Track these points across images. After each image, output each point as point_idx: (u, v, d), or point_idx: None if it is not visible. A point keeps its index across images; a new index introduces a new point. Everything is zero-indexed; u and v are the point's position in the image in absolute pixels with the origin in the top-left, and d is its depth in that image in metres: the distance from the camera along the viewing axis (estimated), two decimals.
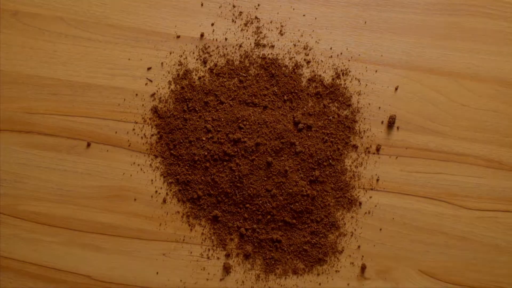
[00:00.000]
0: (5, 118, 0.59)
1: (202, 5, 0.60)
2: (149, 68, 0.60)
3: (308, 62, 0.60)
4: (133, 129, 0.59)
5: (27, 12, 0.60)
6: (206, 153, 0.58)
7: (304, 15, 0.60)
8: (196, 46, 0.60)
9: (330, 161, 0.59)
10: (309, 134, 0.59)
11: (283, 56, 0.60)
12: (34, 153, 0.59)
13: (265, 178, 0.58)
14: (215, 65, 0.60)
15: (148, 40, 0.60)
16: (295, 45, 0.60)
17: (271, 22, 0.60)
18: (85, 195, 0.59)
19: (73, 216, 0.59)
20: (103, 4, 0.60)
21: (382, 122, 0.59)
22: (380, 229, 0.59)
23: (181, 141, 0.59)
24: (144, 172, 0.59)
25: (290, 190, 0.58)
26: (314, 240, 0.59)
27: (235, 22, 0.60)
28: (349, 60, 0.60)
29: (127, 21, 0.60)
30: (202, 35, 0.60)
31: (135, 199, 0.59)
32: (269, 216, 0.59)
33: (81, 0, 0.60)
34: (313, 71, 0.60)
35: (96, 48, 0.60)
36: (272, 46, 0.60)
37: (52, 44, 0.60)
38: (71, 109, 0.59)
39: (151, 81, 0.60)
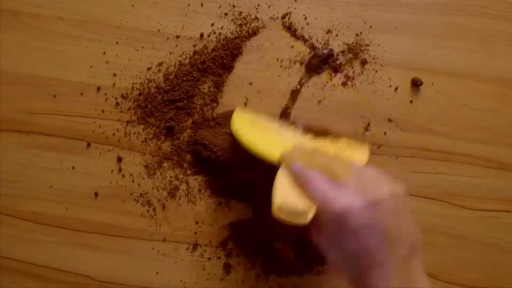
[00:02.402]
0: (5, 118, 0.59)
1: (202, 5, 0.60)
2: (149, 68, 0.60)
3: None
4: (133, 129, 0.59)
5: (27, 12, 0.60)
6: None
7: (304, 15, 0.60)
8: (196, 46, 0.60)
9: None
10: None
11: None
12: (34, 153, 0.59)
13: None
14: None
15: (148, 40, 0.60)
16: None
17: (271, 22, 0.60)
18: (85, 195, 0.59)
19: (73, 216, 0.59)
20: (103, 4, 0.60)
21: (382, 122, 0.59)
22: None
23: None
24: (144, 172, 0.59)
25: None
26: None
27: (235, 22, 0.60)
28: (348, 60, 0.60)
29: (127, 21, 0.60)
30: (201, 35, 0.60)
31: (135, 199, 0.59)
32: None
33: (81, 0, 0.60)
34: None
35: (96, 48, 0.60)
36: None
37: (52, 44, 0.60)
38: (71, 109, 0.59)
39: (151, 81, 0.60)
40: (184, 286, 0.58)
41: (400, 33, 0.60)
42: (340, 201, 0.38)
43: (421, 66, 0.60)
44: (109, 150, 0.59)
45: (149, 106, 0.59)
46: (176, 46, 0.60)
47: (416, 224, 0.41)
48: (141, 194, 0.59)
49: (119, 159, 0.59)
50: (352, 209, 0.38)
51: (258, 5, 0.60)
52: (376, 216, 0.38)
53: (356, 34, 0.60)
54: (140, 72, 0.60)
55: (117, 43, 0.60)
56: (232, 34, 0.59)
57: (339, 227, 0.38)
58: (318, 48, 0.59)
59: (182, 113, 0.59)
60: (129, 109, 0.60)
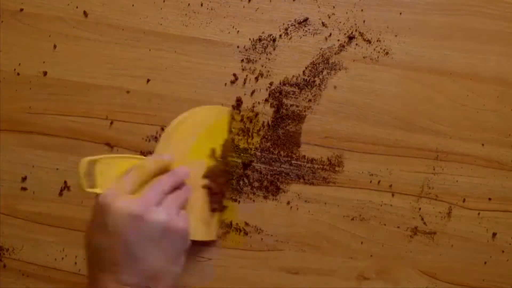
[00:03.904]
0: (5, 118, 0.59)
1: (202, 5, 0.60)
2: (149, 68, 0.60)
3: None
4: (134, 129, 0.59)
5: (27, 12, 0.60)
6: None
7: (304, 16, 0.60)
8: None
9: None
10: None
11: None
12: (34, 153, 0.59)
13: None
14: None
15: (148, 40, 0.60)
16: None
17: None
18: (85, 195, 0.59)
19: (73, 216, 0.59)
20: (103, 4, 0.60)
21: (382, 122, 0.59)
22: (380, 229, 0.59)
23: None
24: None
25: None
26: None
27: None
28: (349, 60, 0.60)
29: (127, 21, 0.60)
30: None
31: None
32: None
33: (81, 0, 0.60)
34: None
35: (96, 48, 0.60)
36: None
37: (52, 44, 0.60)
38: (71, 109, 0.59)
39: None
40: (184, 286, 0.58)
41: (400, 33, 0.60)
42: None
43: (421, 66, 0.60)
44: (108, 151, 0.59)
45: None
46: (175, 46, 0.60)
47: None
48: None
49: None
50: None
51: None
52: None
53: (356, 34, 0.60)
54: (140, 72, 0.60)
55: (117, 43, 0.60)
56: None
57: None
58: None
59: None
60: (130, 109, 0.59)
